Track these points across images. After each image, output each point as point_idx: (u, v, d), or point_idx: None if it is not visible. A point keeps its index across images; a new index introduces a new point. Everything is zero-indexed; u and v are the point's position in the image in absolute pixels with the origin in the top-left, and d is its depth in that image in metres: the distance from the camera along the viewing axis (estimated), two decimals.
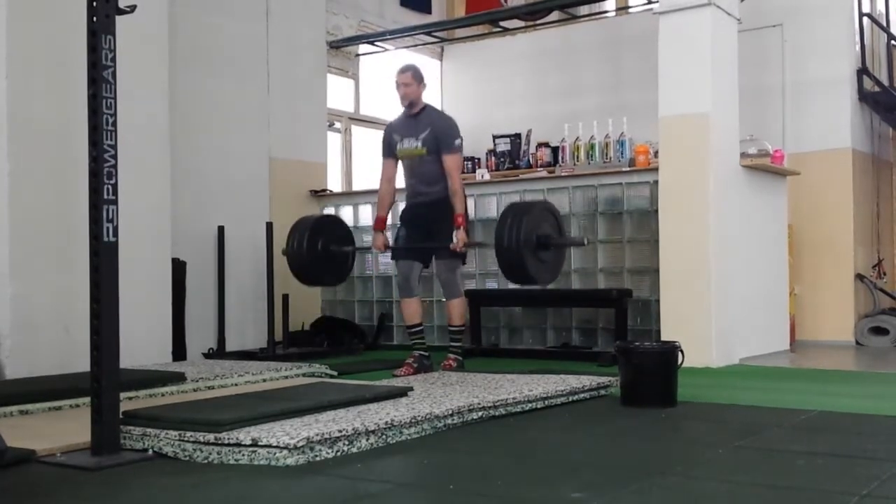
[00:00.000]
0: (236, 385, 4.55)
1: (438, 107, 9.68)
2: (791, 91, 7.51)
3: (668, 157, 5.80)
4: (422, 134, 5.30)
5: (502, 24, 8.72)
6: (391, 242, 5.63)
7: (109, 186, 3.05)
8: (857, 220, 7.38)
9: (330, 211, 7.68)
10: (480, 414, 3.64)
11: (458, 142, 5.32)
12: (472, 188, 6.96)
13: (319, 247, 5.52)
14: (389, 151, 5.50)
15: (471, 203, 6.22)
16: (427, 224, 5.37)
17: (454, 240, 5.21)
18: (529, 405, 3.88)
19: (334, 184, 8.32)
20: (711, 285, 5.60)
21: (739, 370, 5.54)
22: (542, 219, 4.94)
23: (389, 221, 5.69)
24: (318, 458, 2.90)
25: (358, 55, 8.97)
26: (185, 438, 2.99)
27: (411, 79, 5.33)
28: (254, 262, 6.87)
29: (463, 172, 8.74)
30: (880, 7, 8.15)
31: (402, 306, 5.58)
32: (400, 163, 5.49)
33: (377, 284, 7.46)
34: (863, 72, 7.42)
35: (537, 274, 4.87)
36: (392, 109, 9.25)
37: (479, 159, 8.99)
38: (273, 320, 6.56)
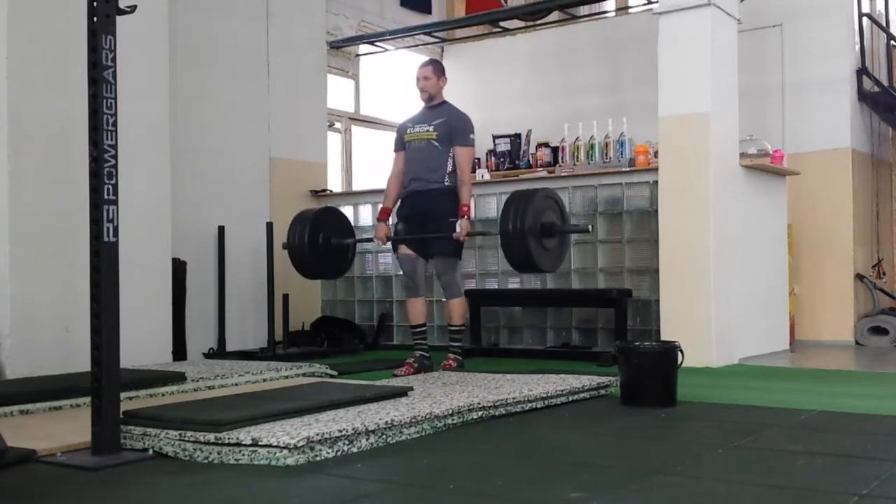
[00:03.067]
0: (236, 385, 4.56)
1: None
2: (791, 91, 7.51)
3: (668, 157, 5.80)
4: (436, 120, 5.35)
5: (502, 24, 8.71)
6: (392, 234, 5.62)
7: (110, 186, 3.05)
8: (857, 220, 7.38)
9: None
10: (480, 414, 3.64)
11: (472, 136, 5.41)
12: (472, 188, 6.96)
13: (320, 240, 5.55)
14: (401, 145, 5.53)
15: (471, 204, 6.22)
16: (423, 218, 5.36)
17: (457, 228, 5.22)
18: (529, 405, 3.89)
19: (334, 184, 8.32)
20: (711, 285, 5.60)
21: (739, 370, 5.54)
22: (546, 206, 4.96)
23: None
24: (318, 458, 2.90)
25: (358, 55, 8.97)
26: (186, 438, 2.99)
27: (431, 72, 5.42)
28: (254, 262, 6.87)
29: None
30: (880, 7, 8.15)
31: (407, 306, 5.59)
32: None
33: (377, 284, 7.46)
34: (862, 72, 7.42)
35: (542, 262, 4.89)
36: (392, 110, 9.30)
37: (479, 159, 8.95)
38: (273, 320, 6.56)
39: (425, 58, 9.61)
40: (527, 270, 5.30)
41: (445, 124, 5.33)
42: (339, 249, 5.72)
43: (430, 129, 5.35)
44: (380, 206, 5.68)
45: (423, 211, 5.36)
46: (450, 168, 5.34)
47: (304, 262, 5.63)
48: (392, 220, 5.66)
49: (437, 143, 5.33)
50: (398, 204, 5.58)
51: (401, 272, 5.84)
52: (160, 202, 5.65)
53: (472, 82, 9.65)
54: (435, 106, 5.45)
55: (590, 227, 5.41)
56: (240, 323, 6.87)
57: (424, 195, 5.35)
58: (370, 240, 5.96)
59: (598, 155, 7.10)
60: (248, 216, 6.97)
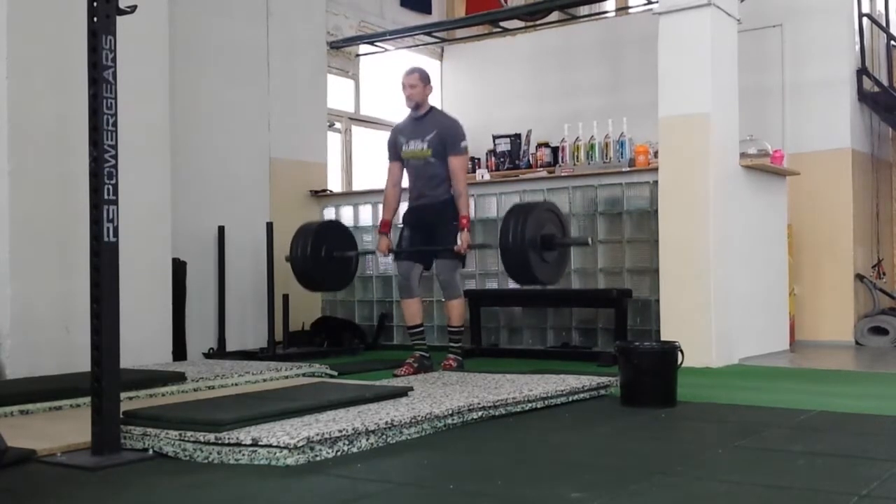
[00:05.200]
0: (236, 385, 4.56)
1: (439, 107, 9.74)
2: (791, 91, 7.51)
3: (668, 157, 5.80)
4: (428, 135, 5.33)
5: (502, 24, 8.72)
6: (394, 244, 5.63)
7: (110, 186, 3.05)
8: (857, 220, 7.38)
9: (330, 211, 7.69)
10: (480, 414, 3.64)
11: (463, 144, 5.37)
12: (472, 188, 6.94)
13: (323, 252, 5.56)
14: (395, 154, 5.53)
15: (471, 203, 6.23)
16: (429, 227, 5.39)
17: (458, 241, 5.24)
18: (529, 405, 3.89)
19: (334, 184, 8.32)
20: (711, 285, 5.60)
21: (739, 370, 5.54)
22: (546, 219, 4.96)
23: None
24: (318, 458, 2.90)
25: (358, 55, 8.97)
26: (186, 438, 2.99)
27: (417, 80, 5.38)
28: (254, 262, 6.87)
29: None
30: (880, 7, 8.15)
31: (402, 307, 5.59)
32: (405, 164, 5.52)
33: (377, 284, 7.46)
34: (862, 72, 7.42)
35: (542, 274, 4.88)
36: (392, 110, 9.30)
37: (479, 159, 8.98)
38: (273, 320, 6.55)
39: (424, 58, 9.69)
40: (526, 282, 5.27)
41: (437, 137, 5.32)
42: (341, 262, 5.73)
43: (424, 146, 5.34)
44: (380, 207, 5.67)
45: (429, 219, 5.40)
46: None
47: (306, 274, 5.63)
48: (396, 219, 5.66)
49: (433, 159, 5.34)
50: (405, 210, 5.61)
51: (398, 272, 5.83)
52: (160, 202, 5.64)
53: (472, 82, 9.67)
54: (423, 116, 5.40)
55: (590, 239, 5.41)
56: (240, 323, 6.87)
57: (430, 207, 5.40)
58: (373, 252, 5.98)
59: (598, 155, 7.09)
60: (248, 216, 6.96)
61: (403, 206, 5.83)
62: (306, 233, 5.62)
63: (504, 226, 4.93)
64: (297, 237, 5.63)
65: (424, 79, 5.42)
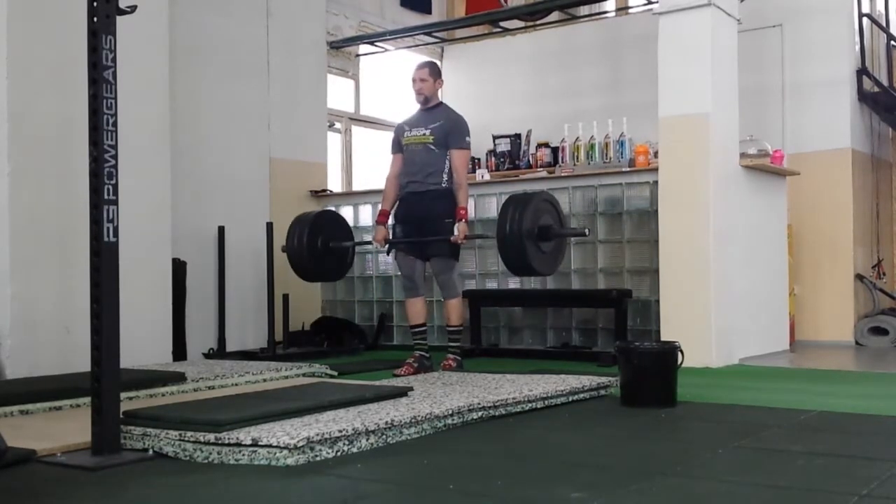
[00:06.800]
0: (236, 385, 4.56)
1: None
2: (791, 91, 7.51)
3: (668, 158, 5.80)
4: (432, 124, 5.35)
5: (502, 24, 8.72)
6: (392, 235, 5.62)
7: (110, 187, 3.05)
8: (857, 220, 7.38)
9: None
10: (480, 414, 3.64)
11: (467, 139, 5.40)
12: (472, 188, 6.95)
13: (319, 243, 5.58)
14: (398, 147, 5.53)
15: (471, 203, 6.24)
16: (420, 221, 5.37)
17: (455, 232, 5.23)
18: (529, 405, 3.88)
19: (334, 184, 8.32)
20: (711, 285, 5.60)
21: (739, 370, 5.54)
22: (543, 209, 4.96)
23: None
24: (318, 458, 2.90)
25: (358, 55, 8.97)
26: (186, 438, 2.99)
27: (428, 74, 5.42)
28: (254, 262, 6.87)
29: None
30: (880, 7, 8.15)
31: (406, 305, 5.59)
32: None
33: (377, 284, 7.46)
34: (862, 72, 7.42)
35: (538, 265, 4.88)
36: (392, 111, 9.30)
37: (479, 159, 8.98)
38: (273, 320, 6.56)
39: (425, 58, 9.68)
40: (523, 273, 5.27)
41: (441, 128, 5.32)
42: (338, 252, 5.75)
43: (427, 132, 5.35)
44: (379, 206, 5.68)
45: (421, 213, 5.37)
46: (447, 170, 5.34)
47: (302, 265, 5.66)
48: (391, 221, 5.67)
49: (433, 147, 5.33)
50: (396, 206, 5.59)
51: (400, 272, 5.83)
52: (160, 202, 5.64)
53: (472, 82, 9.66)
54: (431, 108, 5.44)
55: (587, 230, 5.39)
56: (240, 323, 6.87)
57: (421, 196, 5.36)
58: (369, 242, 5.98)
59: (598, 155, 7.09)
60: (248, 216, 6.96)
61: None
62: (302, 223, 5.64)
63: (501, 216, 4.93)
64: (294, 227, 5.67)
65: (435, 73, 5.45)
